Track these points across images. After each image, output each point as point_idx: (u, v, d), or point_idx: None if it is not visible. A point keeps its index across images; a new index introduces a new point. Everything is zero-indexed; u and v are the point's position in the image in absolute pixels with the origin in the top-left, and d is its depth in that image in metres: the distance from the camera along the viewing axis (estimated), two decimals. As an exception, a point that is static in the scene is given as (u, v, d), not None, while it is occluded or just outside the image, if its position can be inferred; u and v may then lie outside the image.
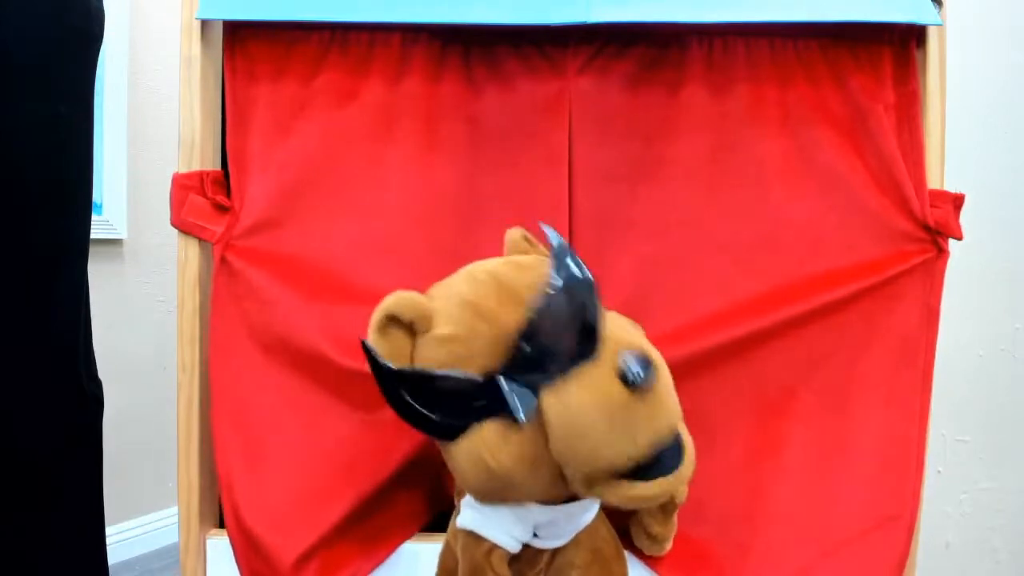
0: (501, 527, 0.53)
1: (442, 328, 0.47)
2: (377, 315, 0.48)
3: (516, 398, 0.44)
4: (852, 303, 0.66)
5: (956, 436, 1.16)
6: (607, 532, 0.61)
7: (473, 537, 0.53)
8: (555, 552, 0.59)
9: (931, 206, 0.66)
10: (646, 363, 0.43)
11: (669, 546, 0.62)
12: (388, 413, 0.64)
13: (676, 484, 0.44)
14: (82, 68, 0.72)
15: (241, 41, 0.67)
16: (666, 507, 0.59)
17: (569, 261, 0.46)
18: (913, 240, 0.67)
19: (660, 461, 0.44)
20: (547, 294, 0.45)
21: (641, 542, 0.62)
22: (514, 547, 0.54)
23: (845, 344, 0.66)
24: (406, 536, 0.66)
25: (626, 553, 0.62)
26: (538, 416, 0.44)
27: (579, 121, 0.67)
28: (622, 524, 0.63)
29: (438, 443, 0.50)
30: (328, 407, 0.65)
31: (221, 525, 0.69)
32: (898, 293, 0.66)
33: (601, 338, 0.45)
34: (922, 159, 0.66)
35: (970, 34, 1.11)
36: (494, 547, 0.53)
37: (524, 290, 0.47)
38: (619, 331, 0.47)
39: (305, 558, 0.61)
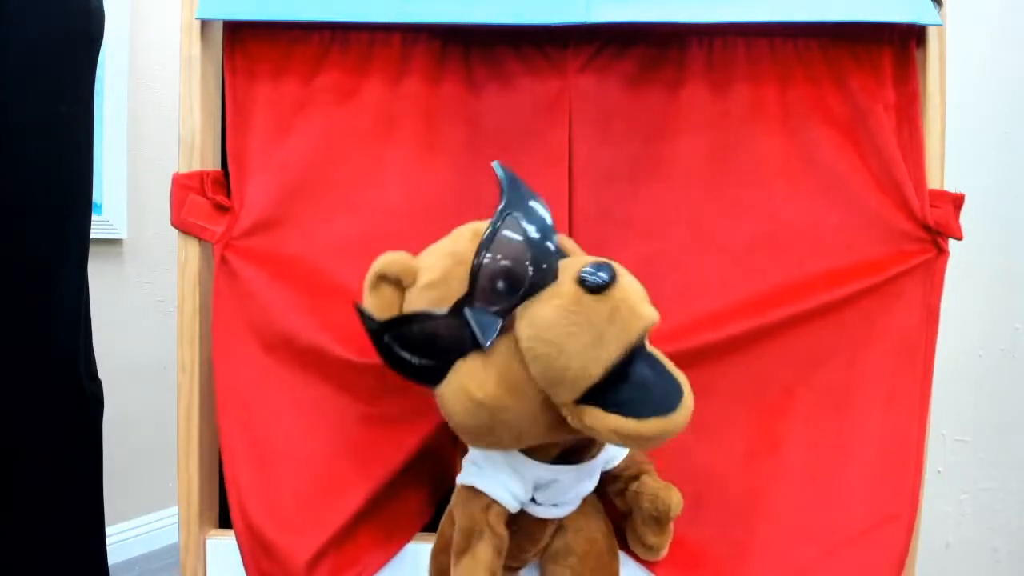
0: (499, 483, 0.53)
1: (426, 276, 0.50)
2: (368, 276, 0.52)
3: (478, 325, 0.45)
4: (852, 303, 0.66)
5: (956, 436, 1.16)
6: (605, 526, 0.61)
7: (472, 492, 0.54)
8: (555, 534, 0.59)
9: (931, 206, 0.66)
10: (604, 266, 0.43)
11: (665, 553, 0.62)
12: (394, 407, 0.65)
13: (671, 426, 0.43)
14: (82, 68, 0.72)
15: (241, 41, 0.67)
16: (660, 520, 0.59)
17: (518, 191, 0.47)
18: (913, 240, 0.67)
19: (656, 399, 0.43)
20: (492, 227, 0.46)
21: (637, 549, 0.62)
22: (512, 505, 0.54)
23: (845, 344, 0.66)
24: (413, 531, 0.66)
25: (622, 553, 0.62)
26: (514, 341, 0.45)
27: (579, 121, 0.67)
28: (619, 527, 0.63)
29: (433, 394, 0.50)
30: (333, 404, 0.65)
31: (221, 525, 0.69)
32: (898, 293, 0.66)
33: (560, 263, 0.46)
34: (922, 159, 0.66)
35: (970, 34, 1.12)
36: (492, 503, 0.53)
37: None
38: (584, 256, 0.47)
39: (317, 558, 0.61)
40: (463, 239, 0.51)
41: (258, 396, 0.65)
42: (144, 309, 1.57)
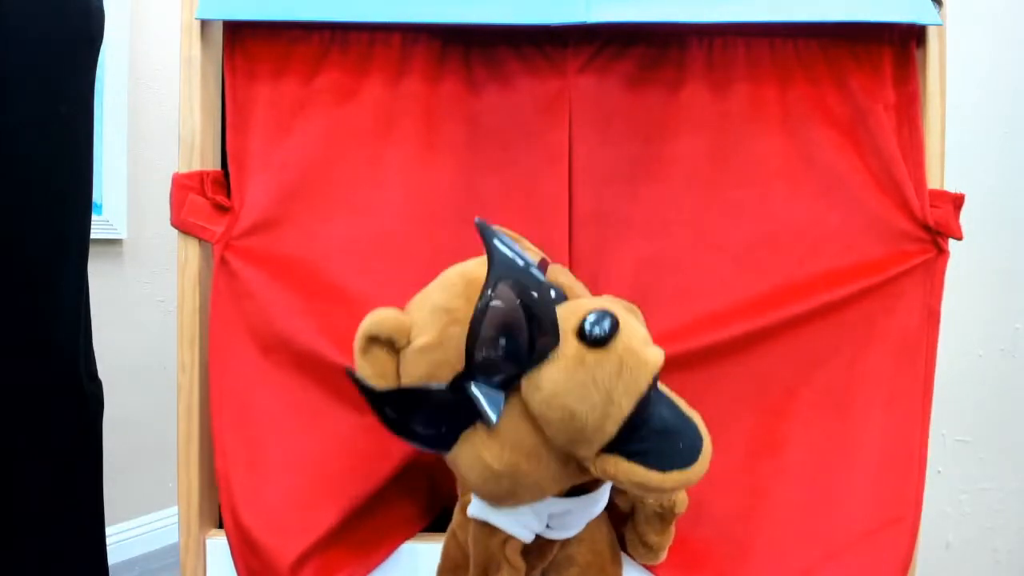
0: (515, 517, 0.52)
1: (420, 339, 0.47)
2: (358, 338, 0.48)
3: (485, 401, 0.44)
4: (852, 303, 0.66)
5: (956, 436, 1.16)
6: (609, 533, 0.61)
7: (486, 527, 0.53)
8: (561, 545, 0.59)
9: (931, 206, 0.66)
10: (603, 316, 0.42)
11: (664, 556, 0.61)
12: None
13: (692, 478, 0.43)
14: (82, 68, 0.72)
15: (241, 41, 0.67)
16: (665, 516, 0.59)
17: (503, 252, 0.45)
18: (913, 240, 0.67)
19: (676, 450, 0.43)
20: (483, 300, 0.43)
21: (636, 551, 0.62)
22: (528, 537, 0.53)
23: (845, 344, 0.66)
24: (404, 538, 0.66)
25: (623, 555, 0.62)
26: (522, 405, 0.44)
27: (579, 121, 0.67)
28: (618, 531, 0.63)
29: (444, 456, 0.49)
30: (328, 408, 0.65)
31: (221, 525, 0.69)
32: (898, 293, 0.66)
33: (560, 312, 0.44)
34: (922, 159, 0.66)
35: (970, 34, 1.12)
36: (508, 538, 0.52)
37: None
38: (581, 298, 0.46)
39: (303, 560, 0.61)
40: (454, 292, 0.48)
41: (252, 397, 0.65)
42: (144, 309, 1.57)
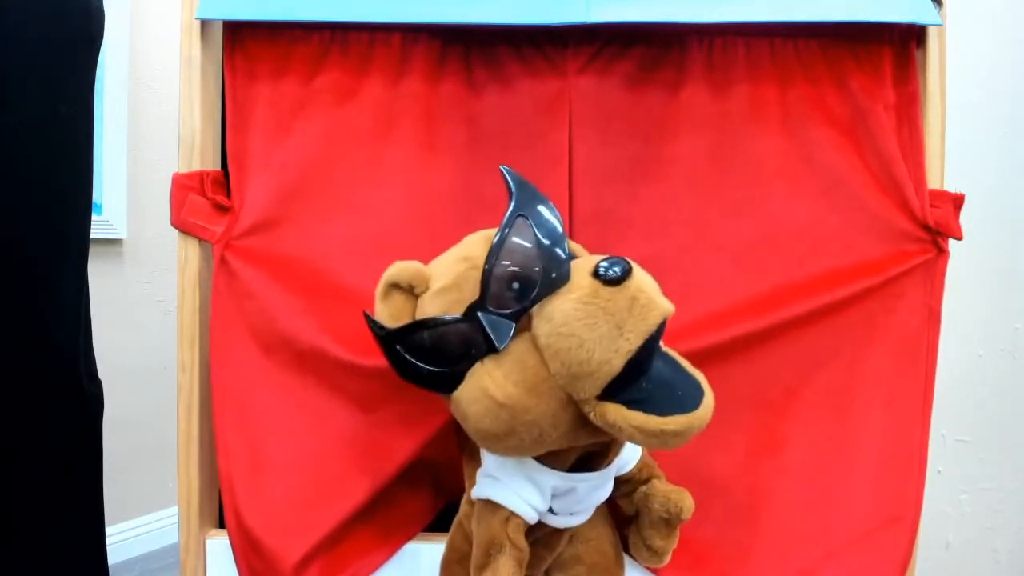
0: (517, 494, 0.53)
1: (437, 282, 0.50)
2: (380, 284, 0.51)
3: (492, 328, 0.45)
4: (853, 303, 0.66)
5: (956, 436, 1.16)
6: (613, 535, 0.61)
7: (489, 505, 0.53)
8: (568, 542, 0.58)
9: (931, 206, 0.66)
10: (618, 259, 0.44)
11: (668, 559, 0.61)
12: (389, 414, 0.65)
13: (695, 422, 0.43)
14: (82, 68, 0.72)
15: (241, 41, 0.67)
16: (670, 521, 0.59)
17: (527, 194, 0.48)
18: (913, 240, 0.67)
19: (677, 396, 0.44)
20: (501, 232, 0.46)
21: (640, 554, 0.62)
22: (531, 516, 0.53)
23: (846, 345, 0.66)
24: (408, 537, 0.66)
25: (626, 556, 0.62)
26: (531, 341, 0.45)
27: (579, 121, 0.67)
28: (622, 533, 0.63)
29: (447, 401, 0.50)
30: (330, 407, 0.65)
31: (221, 525, 0.69)
32: (899, 293, 0.66)
33: (572, 264, 0.46)
34: (922, 159, 0.66)
35: (970, 34, 1.12)
36: (511, 515, 0.53)
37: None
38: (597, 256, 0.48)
39: (306, 560, 0.61)
40: (475, 244, 0.51)
41: (254, 397, 0.65)
42: (144, 309, 1.57)
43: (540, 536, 0.56)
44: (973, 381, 1.15)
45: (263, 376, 0.65)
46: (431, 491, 0.68)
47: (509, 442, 0.48)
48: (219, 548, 0.66)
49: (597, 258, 0.45)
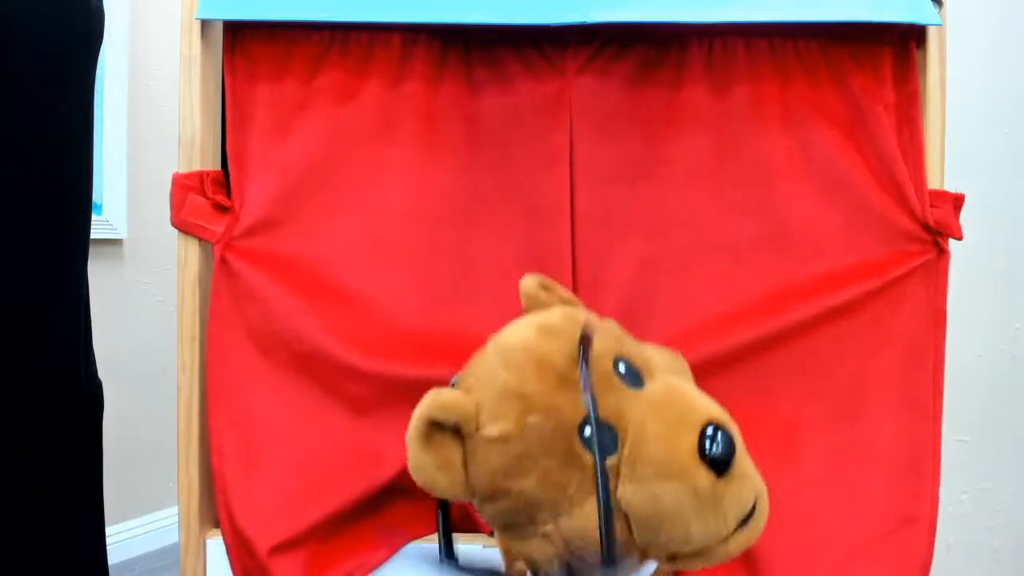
0: None
1: (491, 427, 0.44)
2: (416, 424, 0.44)
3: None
4: (857, 306, 0.65)
5: (956, 436, 1.16)
6: None
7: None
8: None
9: (931, 206, 0.66)
10: (728, 440, 0.41)
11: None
12: (383, 419, 0.64)
13: (756, 533, 0.43)
14: (82, 68, 0.72)
15: (241, 41, 0.67)
16: None
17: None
18: (914, 240, 0.67)
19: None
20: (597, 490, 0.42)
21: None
22: None
23: (853, 347, 0.66)
24: (402, 542, 0.66)
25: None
26: (616, 503, 0.43)
27: (580, 121, 0.67)
28: None
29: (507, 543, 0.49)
30: (325, 409, 0.65)
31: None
32: (903, 295, 0.66)
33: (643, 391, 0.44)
34: (922, 159, 0.66)
35: (970, 34, 1.11)
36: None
37: (564, 364, 0.44)
38: (671, 378, 0.46)
39: (283, 548, 0.61)
40: (524, 374, 0.44)
41: (249, 396, 0.65)
42: (144, 309, 1.57)
43: None
44: (973, 381, 1.15)
45: (259, 376, 0.65)
46: (431, 503, 0.68)
47: None
48: (219, 548, 0.66)
49: (691, 416, 0.42)
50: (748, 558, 0.63)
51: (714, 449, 0.41)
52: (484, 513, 0.47)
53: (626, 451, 0.42)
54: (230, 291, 0.65)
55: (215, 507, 0.69)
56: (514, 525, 0.46)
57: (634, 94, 0.67)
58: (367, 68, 0.67)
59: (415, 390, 0.62)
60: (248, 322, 0.65)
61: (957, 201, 0.67)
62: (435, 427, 0.45)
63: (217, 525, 0.69)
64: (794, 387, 0.66)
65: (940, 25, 0.65)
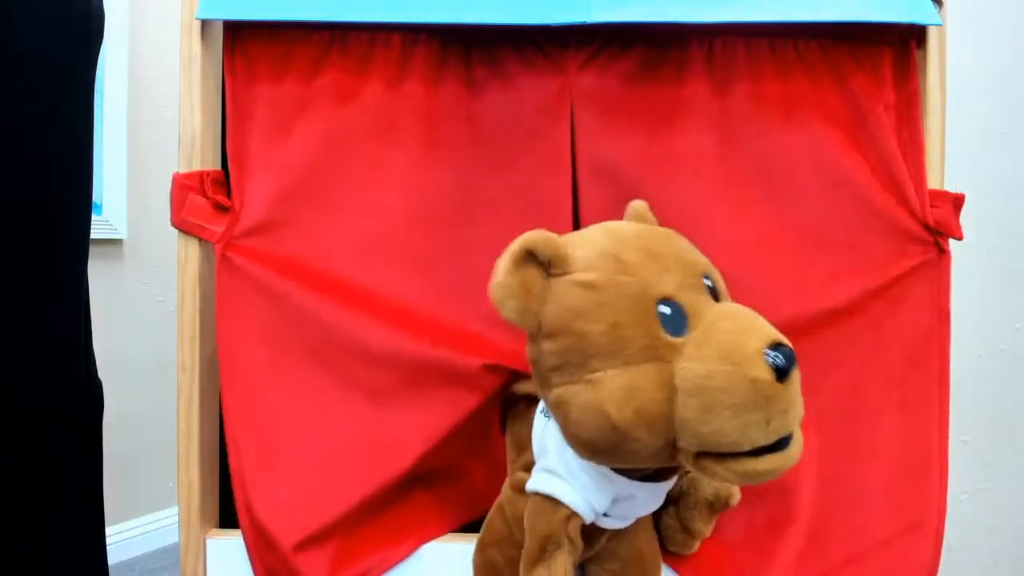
0: (583, 496, 0.52)
1: (582, 274, 0.47)
2: (514, 248, 0.47)
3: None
4: (858, 306, 0.66)
5: (956, 436, 1.15)
6: (651, 534, 0.61)
7: (550, 502, 0.53)
8: (607, 537, 0.58)
9: (931, 206, 0.66)
10: (790, 353, 0.42)
11: (697, 546, 0.62)
12: (399, 409, 0.64)
13: (786, 462, 0.43)
14: (82, 68, 0.72)
15: (241, 41, 0.67)
16: (715, 505, 0.59)
17: None
18: (915, 240, 0.67)
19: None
20: None
21: (674, 536, 0.62)
22: (590, 516, 0.53)
23: (854, 348, 0.66)
24: (429, 537, 0.66)
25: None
26: (668, 374, 0.44)
27: (581, 119, 0.67)
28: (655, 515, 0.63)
29: (544, 395, 0.49)
30: (339, 402, 0.65)
31: (221, 525, 0.69)
32: (903, 295, 0.66)
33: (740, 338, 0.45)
34: (922, 159, 0.66)
35: (970, 34, 1.12)
36: (572, 515, 0.52)
37: (666, 254, 0.48)
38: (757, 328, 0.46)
39: (308, 543, 0.61)
40: (628, 246, 0.48)
41: (263, 392, 0.65)
42: (144, 309, 1.57)
43: (583, 531, 0.56)
44: (973, 381, 1.15)
45: (272, 371, 0.65)
46: (453, 496, 0.68)
47: (604, 458, 0.48)
48: (219, 548, 0.66)
49: (762, 328, 0.44)
50: (744, 557, 0.63)
51: (779, 360, 0.42)
52: (541, 350, 0.48)
53: (695, 333, 0.44)
54: (236, 287, 0.65)
55: (215, 507, 0.69)
56: (565, 366, 0.47)
57: (635, 93, 0.67)
58: (367, 68, 0.67)
59: (431, 373, 0.62)
60: (256, 317, 0.65)
61: (957, 201, 0.67)
62: (531, 257, 0.47)
63: (217, 525, 0.69)
64: None
65: (940, 25, 0.65)
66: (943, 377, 0.66)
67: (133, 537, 1.55)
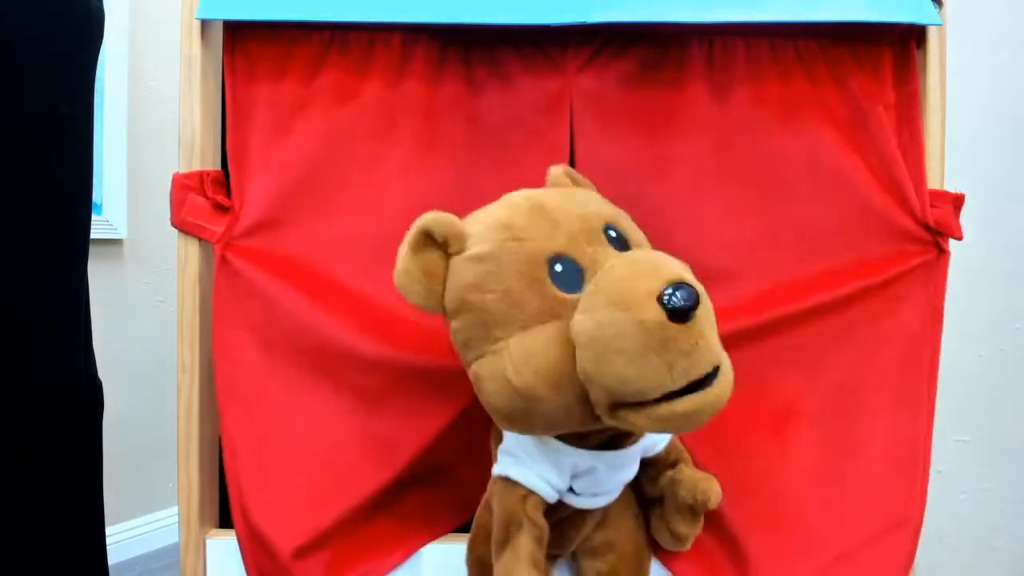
0: (536, 472, 0.52)
1: (475, 247, 0.47)
2: (412, 232, 0.48)
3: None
4: (856, 305, 0.66)
5: (956, 436, 1.16)
6: (639, 523, 0.62)
7: (508, 483, 0.53)
8: (597, 527, 0.58)
9: (931, 206, 0.66)
10: (690, 292, 0.40)
11: (690, 545, 0.62)
12: (394, 411, 0.64)
13: (710, 401, 0.42)
14: (82, 68, 0.72)
15: (241, 41, 0.67)
16: (696, 508, 0.59)
17: None
18: (914, 240, 0.67)
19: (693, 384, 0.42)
20: None
21: (663, 539, 0.62)
22: (550, 495, 0.53)
23: (850, 346, 0.66)
24: (424, 540, 0.66)
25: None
26: (564, 330, 0.44)
27: (580, 119, 0.67)
28: (644, 514, 0.63)
29: (468, 368, 0.49)
30: (335, 405, 0.65)
31: (221, 525, 0.69)
32: (901, 295, 0.66)
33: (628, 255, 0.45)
34: (922, 159, 0.66)
35: (970, 34, 1.11)
36: (529, 493, 0.52)
37: (559, 212, 0.47)
38: (653, 252, 0.46)
39: (306, 550, 0.61)
40: (519, 211, 0.48)
41: (259, 395, 0.65)
42: (144, 309, 1.57)
43: (565, 517, 0.56)
44: (973, 381, 1.15)
45: (267, 374, 0.65)
46: (448, 498, 0.68)
47: (521, 425, 0.48)
48: (219, 548, 0.66)
49: (662, 269, 0.42)
50: (735, 554, 0.63)
51: (674, 299, 0.40)
52: (451, 331, 0.49)
53: (589, 286, 0.44)
54: (233, 290, 0.65)
55: (215, 507, 0.69)
56: (472, 340, 0.48)
57: (635, 93, 0.67)
58: (367, 68, 0.67)
59: (424, 374, 0.62)
60: (252, 319, 0.65)
61: (957, 201, 0.67)
62: (428, 240, 0.48)
63: (217, 525, 0.69)
64: (788, 382, 0.66)
65: (940, 25, 0.65)
66: (932, 374, 0.66)
67: (133, 537, 1.55)
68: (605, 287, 0.43)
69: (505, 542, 0.52)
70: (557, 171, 0.57)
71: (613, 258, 0.45)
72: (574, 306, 0.44)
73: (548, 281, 0.45)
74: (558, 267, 0.45)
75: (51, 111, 0.67)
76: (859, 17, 0.63)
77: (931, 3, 0.64)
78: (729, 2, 0.63)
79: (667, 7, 0.62)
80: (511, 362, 0.45)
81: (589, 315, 0.42)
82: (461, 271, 0.48)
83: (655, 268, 0.42)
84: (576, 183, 0.57)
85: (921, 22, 0.63)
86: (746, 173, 0.67)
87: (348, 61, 0.67)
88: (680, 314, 0.40)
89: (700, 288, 0.42)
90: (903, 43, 0.67)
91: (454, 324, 0.49)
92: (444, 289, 0.49)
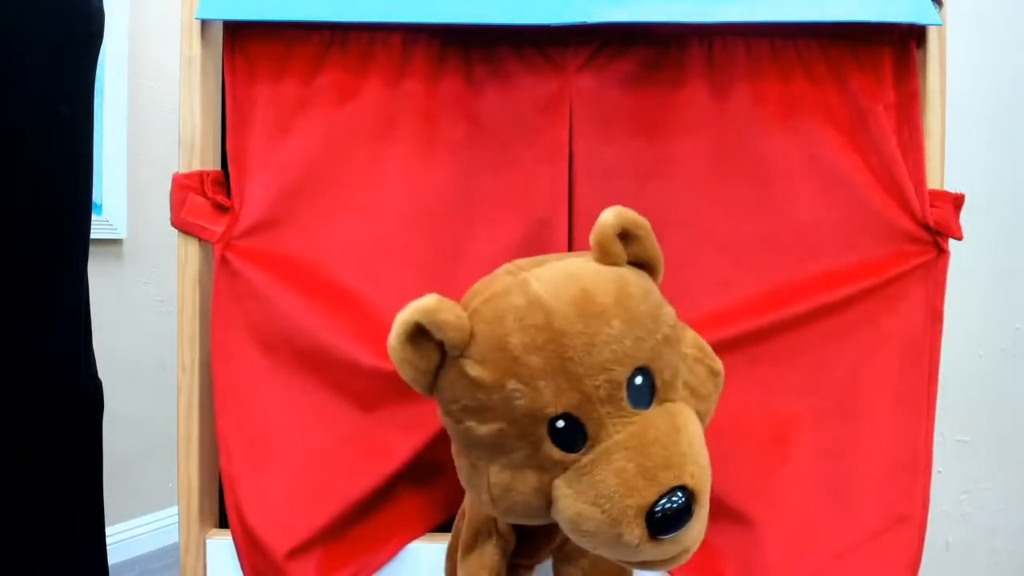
0: None
1: (473, 367, 0.42)
2: (405, 319, 0.42)
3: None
4: (855, 304, 0.66)
5: (956, 436, 1.16)
6: None
7: None
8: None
9: (931, 206, 0.66)
10: (684, 514, 0.39)
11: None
12: (390, 414, 0.65)
13: (672, 549, 0.41)
14: (82, 68, 0.72)
15: (241, 41, 0.67)
16: None
17: None
18: (914, 240, 0.67)
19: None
20: None
21: None
22: None
23: (850, 346, 0.66)
24: (411, 536, 0.66)
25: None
26: (548, 487, 0.43)
27: (580, 119, 0.67)
28: None
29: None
30: (330, 406, 0.65)
31: (221, 525, 0.69)
32: (901, 294, 0.66)
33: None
34: (922, 159, 0.66)
35: (970, 34, 1.11)
36: None
37: (582, 356, 0.41)
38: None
39: (299, 551, 0.62)
40: (534, 339, 0.42)
41: (255, 396, 0.65)
42: (144, 309, 1.57)
43: (538, 527, 0.56)
44: (973, 381, 1.15)
45: (264, 375, 0.65)
46: (435, 493, 0.68)
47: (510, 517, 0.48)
48: (219, 548, 0.66)
49: (667, 470, 0.39)
50: (736, 554, 0.63)
51: (664, 523, 0.39)
52: (439, 409, 0.47)
53: (584, 460, 0.41)
54: (232, 290, 0.65)
55: (215, 507, 0.69)
56: (454, 436, 0.47)
57: (634, 93, 0.67)
58: (367, 67, 0.67)
59: None
60: (251, 321, 0.65)
61: (957, 201, 0.67)
62: (425, 334, 0.42)
63: (217, 525, 0.69)
64: (789, 383, 0.66)
65: (940, 25, 0.65)
66: (932, 374, 0.66)
67: (133, 537, 1.55)
68: (599, 475, 0.40)
69: (473, 547, 0.53)
70: (607, 229, 0.45)
71: (621, 432, 0.41)
72: (562, 467, 0.42)
73: (546, 439, 0.42)
74: (560, 423, 0.41)
75: (51, 111, 0.67)
76: (859, 17, 0.63)
77: (931, 3, 0.64)
78: (729, 2, 0.63)
79: (667, 7, 0.62)
80: (488, 491, 0.45)
81: (571, 501, 0.41)
82: (456, 382, 0.43)
83: (657, 466, 0.40)
84: (632, 238, 0.46)
85: (921, 22, 0.64)
86: (746, 173, 0.67)
87: (348, 61, 0.67)
88: (665, 530, 0.39)
89: (703, 486, 0.41)
90: (903, 43, 0.67)
91: (441, 413, 0.47)
92: (436, 377, 0.45)
